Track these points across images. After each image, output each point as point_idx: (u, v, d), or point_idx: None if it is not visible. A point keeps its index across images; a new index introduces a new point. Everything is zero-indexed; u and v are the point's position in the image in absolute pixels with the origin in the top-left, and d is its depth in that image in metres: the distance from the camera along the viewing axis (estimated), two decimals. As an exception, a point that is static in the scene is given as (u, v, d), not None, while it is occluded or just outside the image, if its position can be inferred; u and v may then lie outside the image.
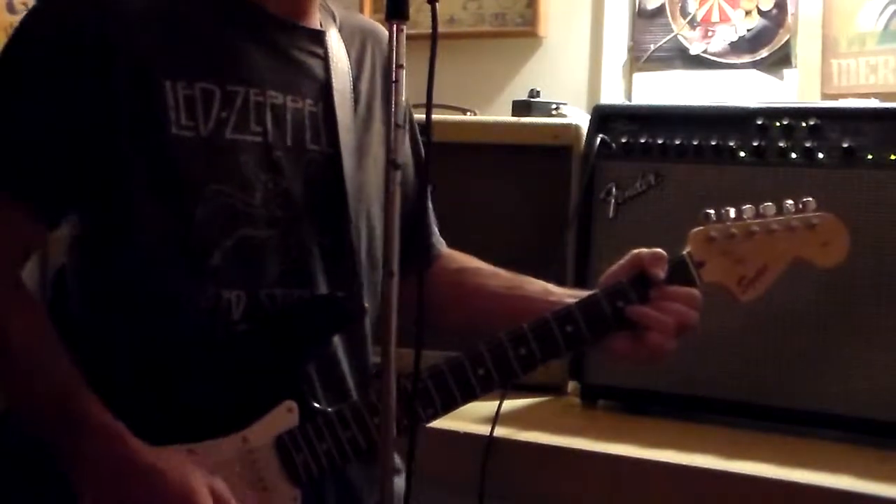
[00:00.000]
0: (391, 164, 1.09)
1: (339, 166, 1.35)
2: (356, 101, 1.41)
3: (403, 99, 1.12)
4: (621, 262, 1.39)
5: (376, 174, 1.41)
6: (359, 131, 1.40)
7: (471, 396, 1.34)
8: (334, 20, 1.44)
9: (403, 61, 1.11)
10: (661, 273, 1.35)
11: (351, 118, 1.38)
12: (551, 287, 1.47)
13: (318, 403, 1.31)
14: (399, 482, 1.42)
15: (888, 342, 1.69)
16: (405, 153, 1.48)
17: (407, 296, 1.20)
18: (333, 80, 1.37)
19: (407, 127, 1.47)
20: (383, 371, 1.09)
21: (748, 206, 1.38)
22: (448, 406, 1.32)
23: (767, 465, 1.57)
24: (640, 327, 1.34)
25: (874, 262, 1.70)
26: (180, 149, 1.24)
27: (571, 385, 1.98)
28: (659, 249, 1.38)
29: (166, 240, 1.25)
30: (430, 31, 1.13)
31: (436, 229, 1.57)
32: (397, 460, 1.42)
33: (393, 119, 1.10)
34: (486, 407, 1.71)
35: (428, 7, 1.15)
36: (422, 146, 1.51)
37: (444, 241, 1.59)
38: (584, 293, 1.40)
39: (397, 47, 1.11)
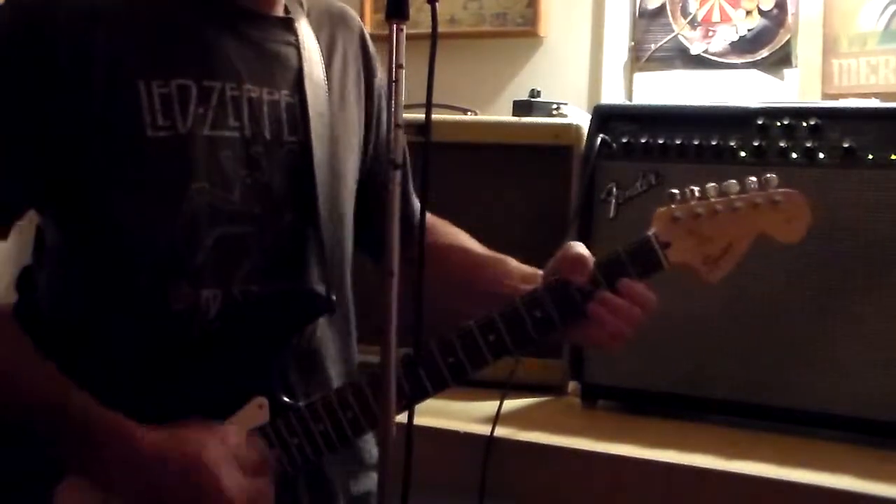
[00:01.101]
0: (391, 163, 1.09)
1: (310, 157, 1.34)
2: (329, 88, 1.39)
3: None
4: (557, 255, 1.39)
5: (351, 160, 1.41)
6: (332, 119, 1.39)
7: (442, 385, 1.33)
8: (302, 6, 1.42)
9: (403, 61, 1.11)
10: (581, 278, 1.34)
11: (325, 106, 1.37)
12: (512, 267, 1.49)
13: (294, 398, 1.30)
14: (374, 477, 1.43)
15: (888, 342, 1.69)
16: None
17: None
18: (305, 68, 1.35)
19: (385, 107, 1.48)
20: (384, 371, 1.09)
21: (711, 184, 1.37)
22: (417, 398, 1.29)
23: (767, 465, 1.57)
24: (593, 321, 1.35)
25: (874, 262, 1.70)
26: (159, 150, 1.23)
27: (571, 385, 1.98)
28: (581, 250, 1.37)
29: (149, 242, 1.24)
30: (430, 30, 1.13)
31: (417, 206, 1.53)
32: (375, 456, 1.42)
33: (393, 119, 1.10)
34: (486, 407, 1.72)
35: (428, 7, 1.14)
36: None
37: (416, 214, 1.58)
38: (530, 270, 1.44)
39: (397, 47, 1.11)
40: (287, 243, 1.32)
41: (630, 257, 1.35)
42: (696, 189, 1.37)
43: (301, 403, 1.29)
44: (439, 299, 1.38)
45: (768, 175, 1.38)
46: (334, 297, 1.33)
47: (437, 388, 1.32)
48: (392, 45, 1.11)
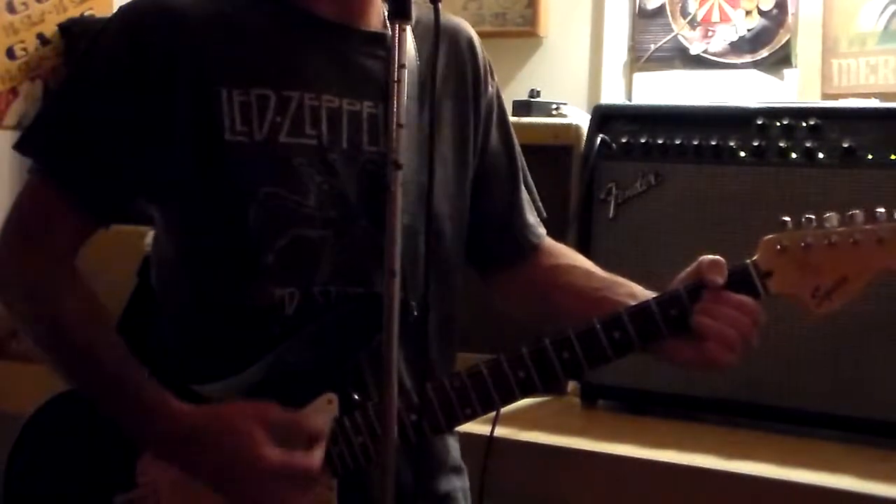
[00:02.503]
0: (392, 164, 1.09)
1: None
2: (422, 100, 1.40)
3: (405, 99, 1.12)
4: (688, 269, 1.35)
5: (444, 175, 1.41)
6: (423, 131, 1.38)
7: (509, 398, 1.32)
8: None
9: (406, 61, 1.11)
10: (720, 279, 1.31)
11: (414, 118, 1.37)
12: (637, 290, 1.42)
13: (366, 398, 1.31)
14: (454, 480, 1.46)
15: (888, 342, 1.69)
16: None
17: (500, 290, 1.33)
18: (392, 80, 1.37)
19: (496, 118, 1.49)
20: (385, 371, 1.09)
21: (832, 213, 1.30)
22: (486, 407, 1.31)
23: (767, 465, 1.57)
24: (697, 335, 1.30)
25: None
26: (234, 153, 1.28)
27: (571, 385, 1.98)
28: (718, 257, 1.32)
29: (221, 241, 1.30)
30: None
31: (532, 221, 1.53)
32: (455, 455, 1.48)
33: (394, 119, 1.10)
34: (486, 407, 1.71)
35: (427, 7, 1.14)
36: (514, 138, 1.52)
37: (543, 234, 1.55)
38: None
39: (399, 47, 1.11)
40: (363, 249, 1.34)
41: (723, 286, 1.31)
42: (812, 218, 1.31)
43: (370, 403, 1.30)
44: (562, 318, 1.40)
45: None
46: (413, 304, 1.33)
47: (506, 400, 1.32)
48: (394, 46, 1.11)
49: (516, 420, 1.76)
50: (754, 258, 1.32)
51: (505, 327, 1.57)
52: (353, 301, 1.33)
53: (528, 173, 1.53)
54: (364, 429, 1.29)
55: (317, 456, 1.26)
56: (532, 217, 1.52)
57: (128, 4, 1.34)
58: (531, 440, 1.70)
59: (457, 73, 1.46)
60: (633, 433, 1.73)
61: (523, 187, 1.52)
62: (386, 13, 1.38)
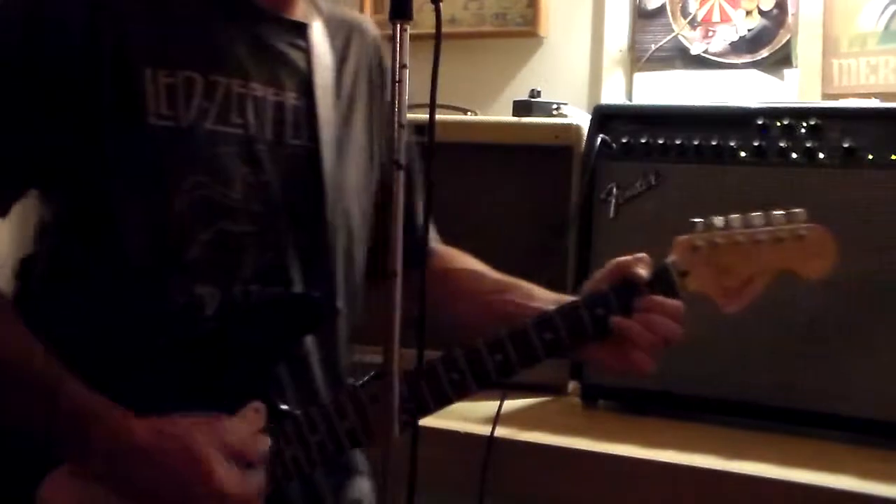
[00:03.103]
0: (395, 164, 1.09)
1: (318, 162, 1.33)
2: (338, 95, 1.39)
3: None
4: (603, 269, 1.38)
5: (356, 171, 1.40)
6: (339, 126, 1.38)
7: (444, 402, 1.32)
8: (320, 12, 1.42)
9: (407, 61, 1.11)
10: (644, 273, 1.33)
11: (332, 113, 1.37)
12: (536, 291, 1.45)
13: (286, 405, 1.28)
14: (363, 483, 1.41)
15: (888, 342, 1.69)
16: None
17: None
18: (315, 73, 1.35)
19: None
20: (385, 371, 1.08)
21: (736, 215, 1.36)
22: (422, 410, 1.28)
23: (767, 465, 1.57)
24: (622, 339, 1.32)
25: (874, 262, 1.70)
26: (158, 139, 1.22)
27: (572, 385, 1.98)
28: (642, 254, 1.36)
29: (142, 231, 1.22)
30: (431, 31, 1.12)
31: (429, 227, 1.53)
32: (364, 462, 1.42)
33: (396, 119, 1.10)
34: (486, 407, 1.71)
35: (428, 7, 1.14)
36: (413, 147, 1.50)
37: (438, 239, 1.57)
38: (570, 299, 1.38)
39: (401, 47, 1.11)
40: (287, 246, 1.31)
41: (647, 283, 1.34)
42: (719, 219, 1.36)
43: (298, 411, 1.28)
44: (456, 320, 1.43)
45: (796, 210, 1.36)
46: (340, 306, 1.33)
47: (439, 404, 1.32)
48: (395, 46, 1.11)
49: (516, 420, 1.76)
50: (672, 258, 1.35)
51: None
52: (272, 303, 1.28)
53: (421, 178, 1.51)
54: (294, 438, 1.26)
55: (262, 477, 1.22)
56: (423, 223, 1.48)
57: None
58: (531, 440, 1.69)
59: (367, 69, 1.45)
60: (633, 433, 1.73)
61: (422, 194, 1.49)
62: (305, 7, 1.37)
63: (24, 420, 1.20)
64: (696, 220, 1.37)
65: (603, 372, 1.39)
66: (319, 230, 1.33)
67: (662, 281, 1.34)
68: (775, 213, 1.36)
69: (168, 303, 1.23)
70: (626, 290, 1.33)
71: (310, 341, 1.33)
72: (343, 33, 1.45)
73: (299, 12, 1.38)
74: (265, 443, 1.24)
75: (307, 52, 1.36)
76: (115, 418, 1.18)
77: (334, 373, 1.37)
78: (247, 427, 1.23)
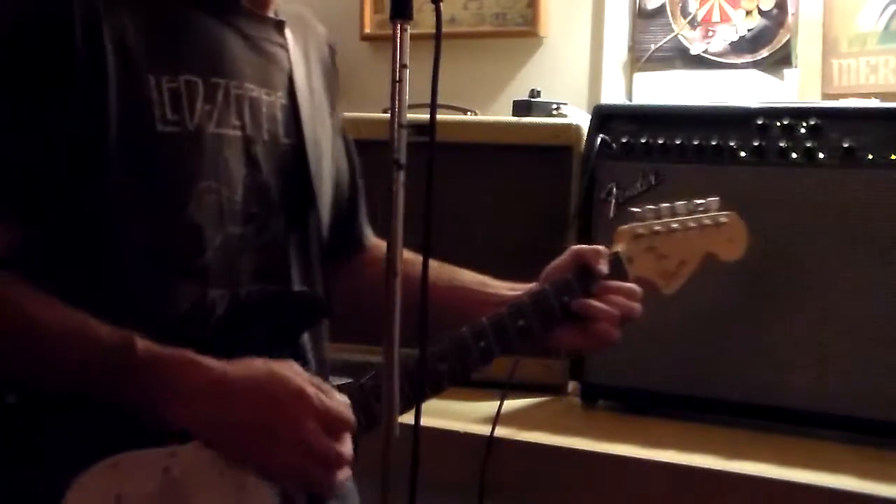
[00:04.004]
0: (395, 164, 1.09)
1: (305, 160, 1.35)
2: (311, 91, 1.41)
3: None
4: (563, 256, 1.48)
5: (326, 166, 1.43)
6: (314, 122, 1.40)
7: (436, 391, 1.37)
8: (281, 10, 1.43)
9: (407, 61, 1.11)
10: (604, 268, 1.45)
11: (310, 110, 1.39)
12: (487, 279, 1.52)
13: None
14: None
15: (889, 342, 1.69)
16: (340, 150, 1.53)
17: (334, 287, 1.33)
18: (295, 71, 1.36)
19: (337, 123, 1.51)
20: (385, 371, 1.08)
21: (665, 204, 1.51)
22: (412, 401, 1.25)
23: (767, 465, 1.57)
24: (585, 319, 1.42)
25: (875, 262, 1.70)
26: (168, 145, 1.22)
27: (571, 385, 1.98)
28: (599, 246, 1.48)
29: (158, 239, 1.22)
30: (431, 31, 1.12)
31: (364, 220, 1.59)
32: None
33: (397, 119, 1.09)
34: (487, 407, 1.72)
35: (428, 7, 1.14)
36: (352, 143, 1.57)
37: (370, 233, 1.60)
38: (520, 286, 1.48)
39: (401, 47, 1.11)
40: (281, 246, 1.33)
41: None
42: (651, 208, 1.51)
43: None
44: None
45: (711, 198, 1.53)
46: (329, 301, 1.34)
47: (434, 392, 1.37)
48: (396, 45, 1.11)
49: (516, 420, 1.76)
50: (619, 247, 1.50)
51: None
52: (272, 301, 1.30)
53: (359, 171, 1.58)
54: None
55: (348, 448, 1.21)
56: (364, 217, 1.58)
57: None
58: (531, 440, 1.69)
59: (321, 65, 1.47)
60: (633, 433, 1.73)
61: (361, 186, 1.57)
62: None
63: (90, 379, 1.16)
64: (634, 209, 1.52)
65: (572, 353, 1.60)
66: (307, 227, 1.35)
67: (615, 269, 1.46)
68: (696, 201, 1.53)
69: (176, 310, 1.23)
70: (587, 276, 1.45)
71: (305, 337, 1.35)
72: (300, 30, 1.45)
73: (274, 9, 1.38)
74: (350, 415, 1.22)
75: (287, 49, 1.37)
76: (204, 361, 1.17)
77: (323, 367, 1.38)
78: (340, 398, 1.23)
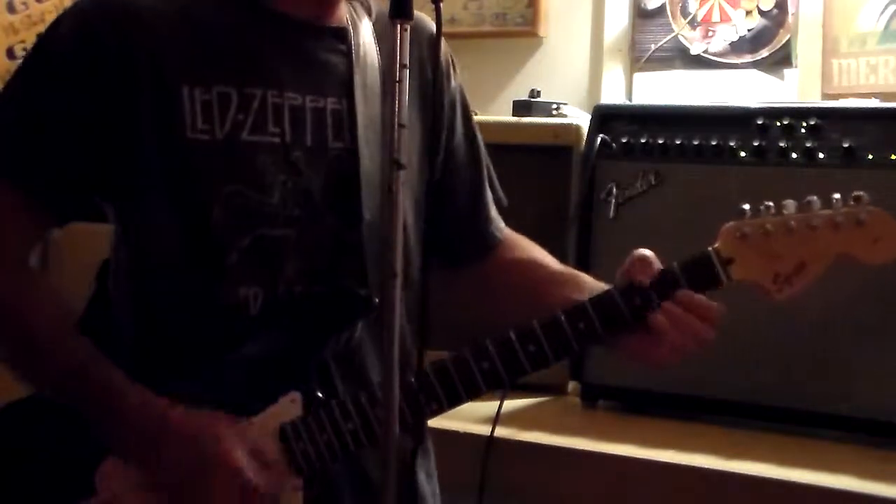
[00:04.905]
0: (395, 163, 1.09)
1: (356, 162, 1.36)
2: (385, 92, 1.40)
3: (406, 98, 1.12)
4: (631, 260, 1.36)
5: (409, 171, 1.41)
6: (386, 125, 1.38)
7: (475, 392, 1.33)
8: (369, 14, 1.44)
9: (407, 60, 1.11)
10: (645, 279, 1.33)
11: (377, 113, 1.39)
12: (589, 284, 1.44)
13: (332, 395, 1.31)
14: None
15: (889, 342, 1.69)
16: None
17: (464, 288, 1.31)
18: (357, 75, 1.37)
19: (460, 114, 1.51)
20: (385, 371, 1.09)
21: (789, 201, 1.33)
22: (453, 401, 1.32)
23: (767, 465, 1.57)
24: (653, 332, 1.32)
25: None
26: (196, 152, 1.28)
27: (571, 385, 1.98)
28: (646, 252, 1.35)
29: (184, 240, 1.29)
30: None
31: (495, 216, 1.56)
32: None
33: (396, 119, 1.10)
34: (487, 407, 1.71)
35: (428, 7, 1.15)
36: (478, 134, 1.54)
37: (503, 228, 1.57)
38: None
39: (401, 47, 1.11)
40: (329, 246, 1.34)
41: (683, 272, 1.33)
42: (770, 204, 1.33)
43: (334, 400, 1.31)
44: (512, 314, 1.41)
45: (858, 193, 1.34)
46: (377, 300, 1.33)
47: (471, 394, 1.33)
48: (396, 46, 1.11)
49: (516, 420, 1.76)
50: (716, 245, 1.33)
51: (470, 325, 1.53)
52: (311, 299, 1.32)
53: (491, 168, 1.55)
54: (329, 426, 1.29)
55: (275, 480, 1.27)
56: (494, 212, 1.55)
57: (79, 2, 1.31)
58: (531, 440, 1.70)
59: (418, 65, 1.45)
60: (633, 433, 1.73)
61: (487, 183, 1.54)
62: (352, 9, 1.40)
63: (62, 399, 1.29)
64: (744, 206, 1.34)
65: (627, 361, 1.38)
66: (358, 229, 1.35)
67: (703, 268, 1.33)
68: (834, 195, 1.34)
69: (212, 305, 1.29)
70: (668, 283, 1.32)
71: (364, 334, 1.35)
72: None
73: (340, 16, 1.39)
74: (277, 449, 1.28)
75: (348, 55, 1.38)
76: (151, 401, 1.26)
77: (405, 370, 1.38)
78: (264, 430, 1.28)
